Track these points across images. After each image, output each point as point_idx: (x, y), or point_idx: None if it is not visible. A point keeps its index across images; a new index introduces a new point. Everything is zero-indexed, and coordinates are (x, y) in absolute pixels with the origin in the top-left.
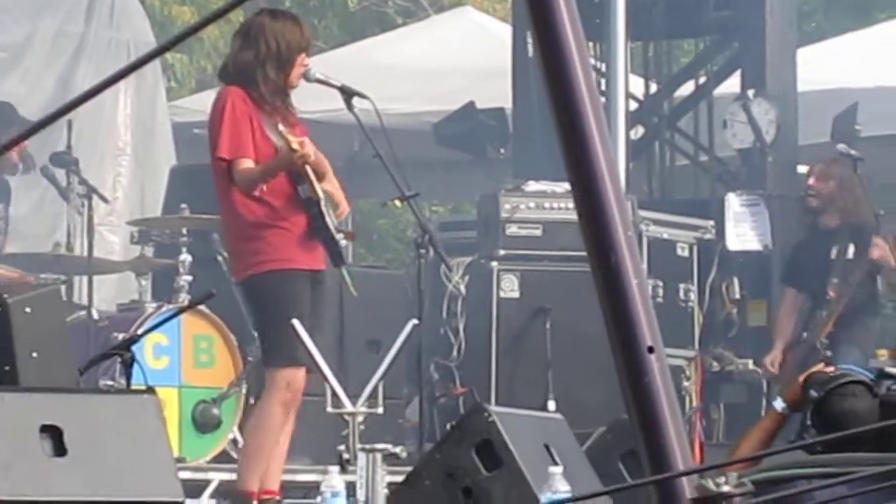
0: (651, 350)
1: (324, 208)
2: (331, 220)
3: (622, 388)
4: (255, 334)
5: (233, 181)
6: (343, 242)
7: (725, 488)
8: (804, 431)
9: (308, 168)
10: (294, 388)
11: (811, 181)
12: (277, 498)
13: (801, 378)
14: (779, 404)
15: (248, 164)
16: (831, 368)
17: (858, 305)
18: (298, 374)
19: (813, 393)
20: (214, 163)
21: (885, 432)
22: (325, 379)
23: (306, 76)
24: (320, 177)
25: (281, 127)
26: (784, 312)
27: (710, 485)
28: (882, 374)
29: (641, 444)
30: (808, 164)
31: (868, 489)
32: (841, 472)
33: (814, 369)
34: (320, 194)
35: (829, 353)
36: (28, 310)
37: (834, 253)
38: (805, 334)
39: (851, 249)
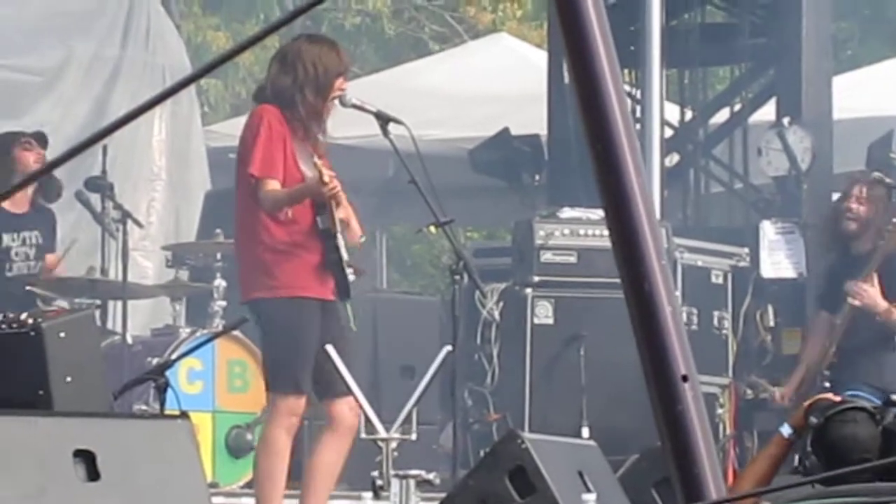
0: (685, 378)
1: (339, 241)
2: (344, 254)
3: (655, 416)
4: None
5: (257, 199)
6: (351, 277)
7: None
8: (805, 458)
9: (331, 200)
10: (297, 415)
11: (852, 203)
12: None
13: (806, 404)
14: (786, 430)
15: (275, 185)
16: (837, 396)
17: (865, 338)
18: (300, 402)
19: (813, 419)
20: (241, 178)
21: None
22: (360, 404)
23: (342, 101)
24: (337, 205)
25: (316, 159)
26: (812, 336)
27: None
28: (889, 402)
29: (674, 473)
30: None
31: None
32: (867, 502)
33: (819, 396)
34: (338, 227)
35: (826, 385)
36: (62, 335)
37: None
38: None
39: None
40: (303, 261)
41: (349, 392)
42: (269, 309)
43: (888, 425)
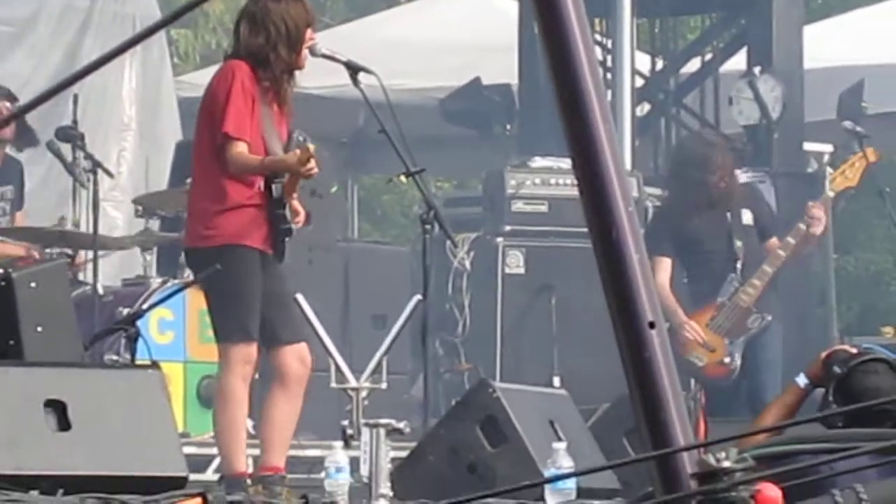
0: (652, 325)
1: (287, 213)
2: (289, 221)
3: (623, 364)
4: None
5: (221, 157)
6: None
7: (726, 464)
8: (826, 407)
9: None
10: (251, 363)
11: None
12: (282, 474)
13: (824, 354)
14: (801, 379)
15: (243, 147)
16: (854, 348)
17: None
18: (251, 349)
19: (836, 369)
20: (206, 130)
21: None
22: (329, 354)
23: (312, 51)
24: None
25: (302, 138)
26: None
27: (712, 460)
28: None
29: (642, 420)
30: (816, 141)
31: (874, 464)
32: (844, 447)
33: (836, 347)
34: (290, 199)
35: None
36: (33, 284)
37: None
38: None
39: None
40: (247, 214)
41: (297, 340)
42: (210, 256)
43: None
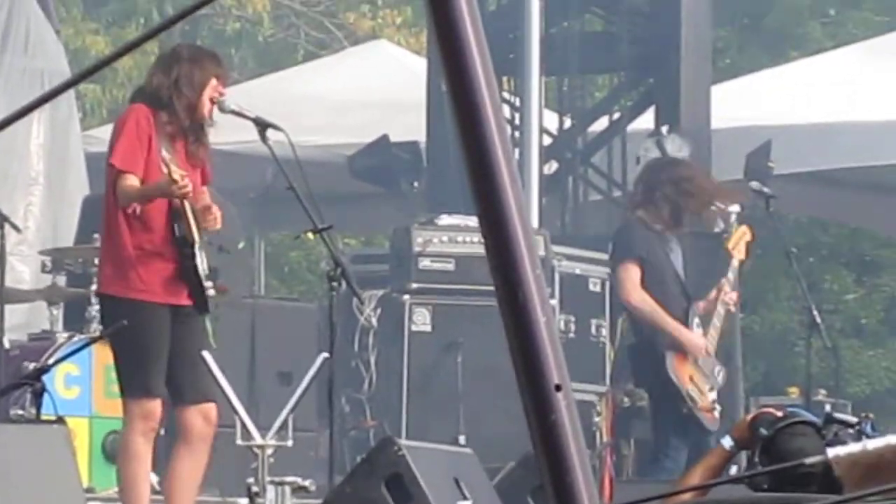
0: (558, 388)
1: (197, 251)
2: (202, 266)
3: (529, 426)
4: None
5: (115, 193)
6: (211, 292)
7: None
8: (751, 469)
9: (187, 206)
10: (153, 419)
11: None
12: None
13: (749, 417)
14: (726, 442)
15: (132, 180)
16: (779, 411)
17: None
18: (154, 405)
19: (762, 431)
20: (106, 168)
21: (831, 476)
22: (235, 411)
23: (221, 107)
24: (200, 223)
25: (164, 153)
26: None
27: None
28: (830, 419)
29: (547, 482)
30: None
31: None
32: None
33: (761, 410)
34: (195, 236)
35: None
36: None
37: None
38: None
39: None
40: (154, 267)
41: (204, 400)
42: (116, 308)
43: (832, 442)
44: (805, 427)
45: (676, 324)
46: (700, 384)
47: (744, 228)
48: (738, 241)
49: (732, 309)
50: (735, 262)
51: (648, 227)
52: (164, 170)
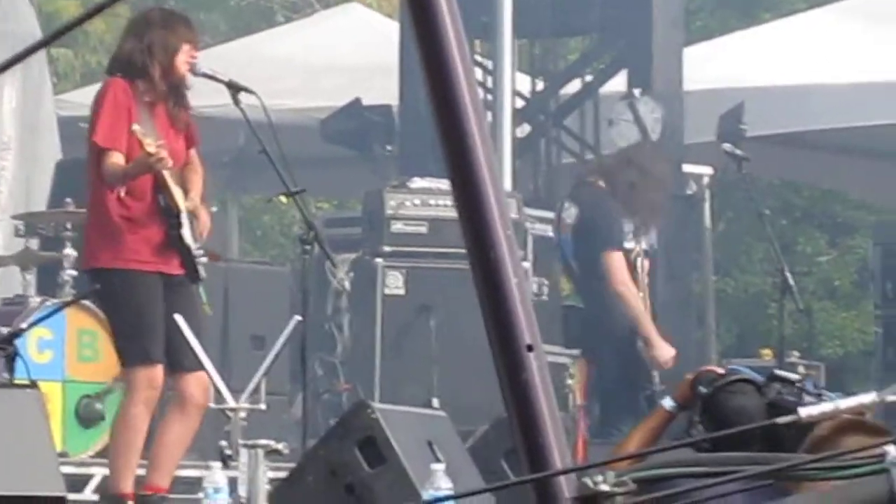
0: (530, 348)
1: (183, 220)
2: (189, 234)
3: (501, 386)
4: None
5: (101, 173)
6: (203, 259)
7: (604, 487)
8: (691, 428)
9: (166, 176)
10: (155, 387)
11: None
12: (163, 495)
13: (691, 376)
14: (667, 402)
15: (117, 157)
16: (721, 368)
17: None
18: (157, 372)
19: (702, 390)
20: (89, 147)
21: (773, 434)
22: (208, 375)
23: (193, 70)
24: (186, 190)
25: (136, 127)
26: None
27: (591, 483)
28: (772, 377)
29: (519, 442)
30: (695, 163)
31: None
32: (724, 471)
33: (703, 368)
34: (180, 206)
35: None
36: None
37: None
38: None
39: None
40: (142, 236)
41: (199, 368)
42: (108, 279)
43: (773, 399)
44: (745, 385)
45: (650, 324)
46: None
47: None
48: None
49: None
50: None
51: (616, 203)
52: (146, 142)
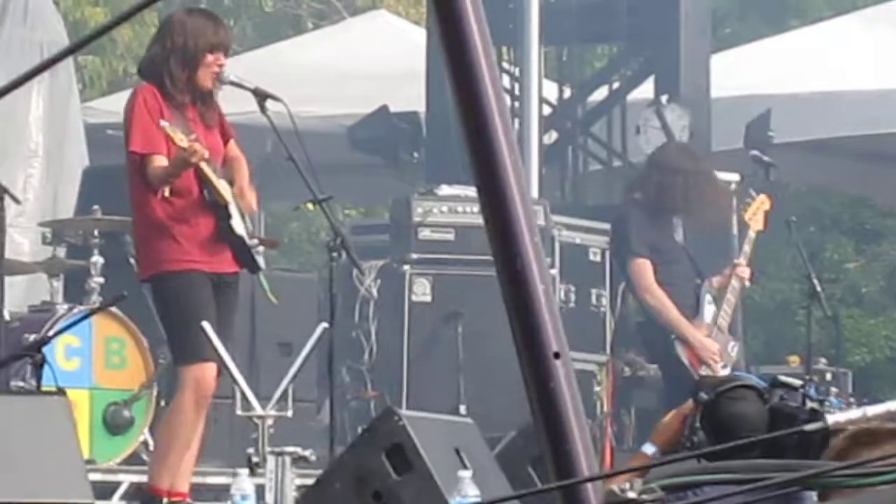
0: (557, 356)
1: (232, 211)
2: (241, 225)
3: (528, 394)
4: (166, 338)
5: (144, 177)
6: (260, 249)
7: (631, 494)
8: (692, 434)
9: (205, 168)
10: (205, 385)
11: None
12: (187, 500)
13: (668, 418)
14: (648, 448)
15: (160, 160)
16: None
17: None
18: (207, 370)
19: (703, 395)
20: (127, 157)
21: (775, 442)
22: (235, 381)
23: (220, 78)
24: (230, 181)
25: (164, 123)
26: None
27: (618, 491)
28: (775, 383)
29: (546, 450)
30: (722, 170)
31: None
32: (748, 478)
33: (704, 374)
34: (226, 198)
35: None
36: None
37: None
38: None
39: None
40: (189, 234)
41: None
42: (160, 284)
43: (775, 405)
44: (745, 391)
45: (687, 326)
46: (713, 366)
47: (762, 198)
48: (756, 211)
49: (747, 283)
50: (752, 233)
51: (647, 210)
52: (177, 138)
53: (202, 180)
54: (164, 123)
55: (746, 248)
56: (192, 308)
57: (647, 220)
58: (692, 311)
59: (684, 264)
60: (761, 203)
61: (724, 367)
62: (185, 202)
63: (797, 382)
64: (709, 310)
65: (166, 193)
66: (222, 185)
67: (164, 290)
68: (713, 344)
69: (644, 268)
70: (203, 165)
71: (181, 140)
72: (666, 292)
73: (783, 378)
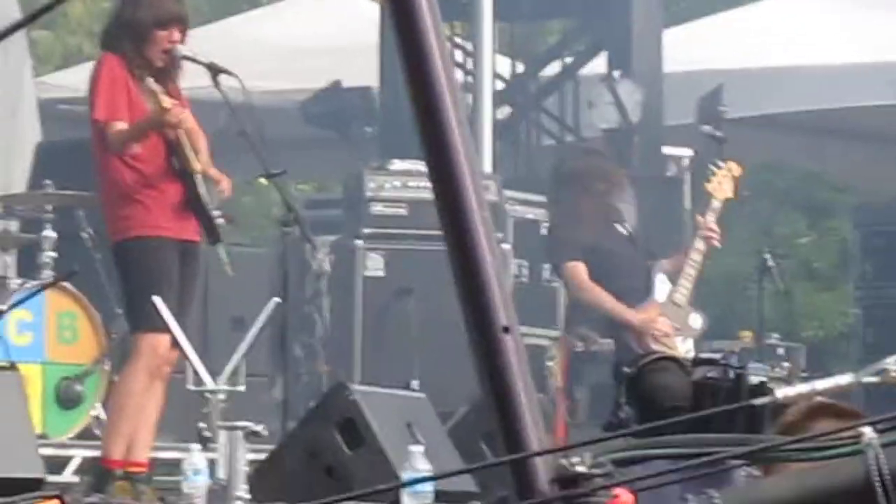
0: (507, 330)
1: (198, 181)
2: (206, 196)
3: (477, 369)
4: (122, 304)
5: (106, 144)
6: (220, 221)
7: (581, 468)
8: (618, 410)
9: (183, 137)
10: (159, 354)
11: None
12: (146, 471)
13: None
14: None
15: (121, 126)
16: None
17: None
18: (162, 340)
19: (625, 370)
20: (91, 126)
21: (701, 417)
22: (186, 356)
23: (172, 53)
24: (198, 151)
25: (153, 84)
26: None
27: (568, 465)
28: (698, 361)
29: (497, 425)
30: (675, 145)
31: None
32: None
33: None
34: (195, 167)
35: None
36: None
37: None
38: None
39: None
40: (156, 201)
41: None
42: (125, 249)
43: (700, 381)
44: (668, 362)
45: (625, 310)
46: (667, 341)
47: (731, 165)
48: (722, 180)
49: (716, 243)
50: (716, 203)
51: (571, 214)
52: (153, 100)
53: (171, 148)
54: (154, 86)
55: (710, 216)
56: (154, 276)
57: (572, 226)
58: (642, 294)
59: (627, 254)
60: (729, 170)
61: (683, 340)
62: (153, 168)
63: (716, 356)
64: (662, 289)
65: (131, 155)
66: (192, 156)
67: (128, 255)
68: (662, 322)
69: (575, 270)
70: (181, 133)
71: (165, 100)
72: (614, 286)
73: (706, 355)
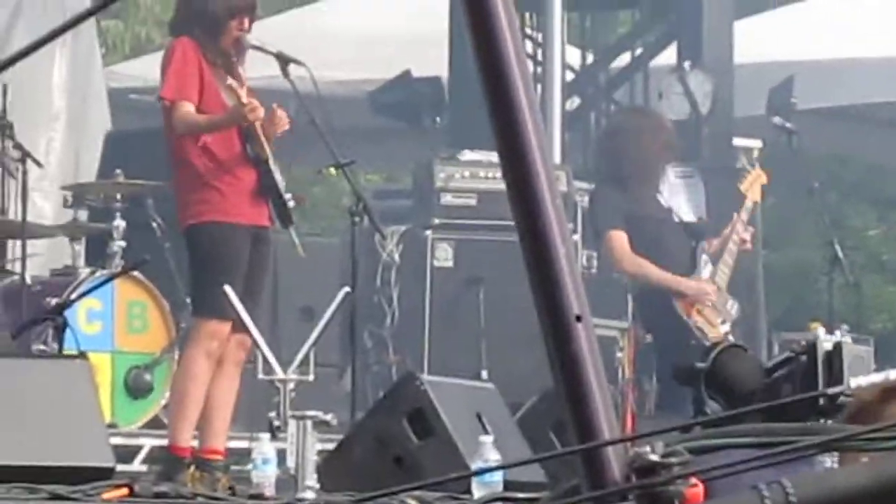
0: (579, 318)
1: (273, 167)
2: (280, 180)
3: (549, 357)
4: (190, 287)
5: (172, 124)
6: (291, 204)
7: (654, 457)
8: (700, 402)
9: (257, 125)
10: (219, 340)
11: None
12: (223, 459)
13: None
14: None
15: (188, 107)
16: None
17: None
18: (223, 328)
19: (699, 365)
20: (161, 106)
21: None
22: (257, 345)
23: (241, 43)
24: (269, 138)
25: (231, 81)
26: None
27: (645, 454)
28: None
29: (568, 414)
30: (745, 137)
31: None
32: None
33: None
34: (269, 153)
35: None
36: None
37: None
38: None
39: None
40: (232, 187)
41: (241, 330)
42: (197, 234)
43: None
44: (736, 350)
45: (674, 278)
46: (709, 317)
47: (758, 171)
48: (752, 184)
49: (749, 247)
50: (748, 203)
51: (613, 181)
52: (229, 99)
53: (245, 134)
54: (231, 83)
55: (743, 215)
56: (224, 262)
57: (615, 192)
58: (688, 269)
59: (670, 225)
60: (757, 176)
61: (723, 322)
62: (228, 154)
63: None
64: (706, 270)
65: (206, 142)
66: (266, 141)
67: (200, 239)
68: (709, 285)
69: (616, 240)
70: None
71: (243, 95)
72: (657, 255)
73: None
